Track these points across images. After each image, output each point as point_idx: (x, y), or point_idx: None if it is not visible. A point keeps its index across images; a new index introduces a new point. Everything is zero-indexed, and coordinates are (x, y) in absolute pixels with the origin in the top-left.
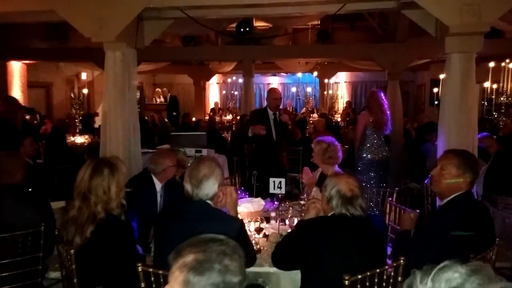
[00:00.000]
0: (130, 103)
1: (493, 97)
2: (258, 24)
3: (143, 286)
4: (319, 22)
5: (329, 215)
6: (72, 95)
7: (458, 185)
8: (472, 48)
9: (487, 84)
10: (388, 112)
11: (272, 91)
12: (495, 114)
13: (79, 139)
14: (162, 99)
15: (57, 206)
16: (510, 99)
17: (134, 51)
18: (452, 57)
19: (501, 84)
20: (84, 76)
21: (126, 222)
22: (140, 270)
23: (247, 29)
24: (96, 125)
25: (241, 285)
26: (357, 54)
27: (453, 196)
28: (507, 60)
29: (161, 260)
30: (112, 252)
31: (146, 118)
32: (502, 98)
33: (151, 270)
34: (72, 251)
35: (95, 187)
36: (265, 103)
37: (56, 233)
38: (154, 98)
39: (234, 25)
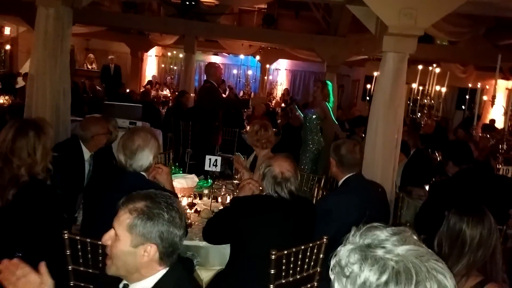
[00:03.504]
0: (61, 66)
1: (418, 98)
2: None
3: (68, 253)
4: (265, 6)
5: (262, 194)
6: None
7: (334, 169)
8: (406, 49)
9: (414, 85)
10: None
11: (215, 65)
12: (418, 114)
13: None
14: (94, 66)
15: None
16: (432, 101)
17: (70, 10)
18: (387, 56)
19: (426, 87)
20: (7, 31)
21: (52, 187)
22: (66, 237)
23: (193, 2)
24: (19, 86)
25: (181, 240)
26: (300, 42)
27: (345, 178)
28: (434, 65)
29: (89, 229)
30: (35, 216)
31: (78, 84)
32: (425, 100)
33: (78, 238)
34: None
35: (19, 149)
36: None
37: None
38: (85, 64)
39: None
